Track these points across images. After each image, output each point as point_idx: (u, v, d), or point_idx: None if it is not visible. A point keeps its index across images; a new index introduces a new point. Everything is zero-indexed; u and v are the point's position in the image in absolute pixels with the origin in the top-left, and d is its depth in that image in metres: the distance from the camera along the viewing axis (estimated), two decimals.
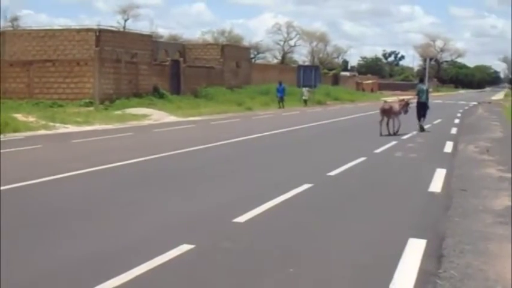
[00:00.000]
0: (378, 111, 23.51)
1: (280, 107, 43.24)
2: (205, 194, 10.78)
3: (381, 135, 22.19)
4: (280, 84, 44.51)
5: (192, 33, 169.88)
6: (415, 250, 7.08)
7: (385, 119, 22.87)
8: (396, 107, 23.54)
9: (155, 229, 8.07)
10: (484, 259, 6.87)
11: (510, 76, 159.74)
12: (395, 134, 22.70)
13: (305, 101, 47.56)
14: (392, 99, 32.80)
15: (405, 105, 24.13)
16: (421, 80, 27.89)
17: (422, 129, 24.70)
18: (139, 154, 15.56)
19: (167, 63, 43.11)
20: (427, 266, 6.55)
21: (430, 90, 26.54)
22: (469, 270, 6.47)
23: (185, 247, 7.02)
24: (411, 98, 26.06)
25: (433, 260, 6.82)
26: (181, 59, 46.07)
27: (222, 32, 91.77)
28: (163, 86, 40.47)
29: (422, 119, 25.06)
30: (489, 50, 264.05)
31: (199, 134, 22.83)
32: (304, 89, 47.29)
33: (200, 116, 33.10)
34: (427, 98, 25.46)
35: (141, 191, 10.88)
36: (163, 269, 6.31)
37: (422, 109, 25.11)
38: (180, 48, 52.39)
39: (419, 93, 25.58)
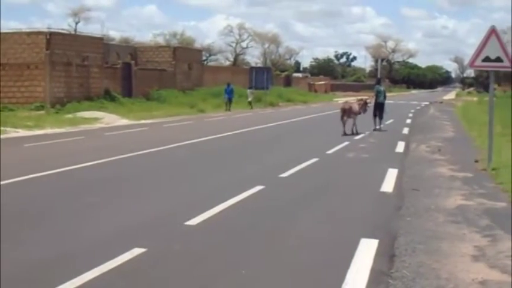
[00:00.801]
0: (336, 111, 23.84)
1: (227, 109, 42.30)
2: (157, 197, 10.76)
3: (343, 134, 22.77)
4: (228, 85, 43.67)
5: (144, 36, 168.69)
6: (367, 250, 7.15)
7: (346, 118, 23.56)
8: (356, 107, 24.35)
9: (107, 233, 8.00)
10: (436, 258, 6.97)
11: (461, 76, 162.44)
12: (355, 133, 23.42)
13: (250, 103, 46.53)
14: (345, 99, 33.18)
15: (364, 105, 25.02)
16: (379, 81, 28.53)
17: (379, 129, 25.61)
18: (90, 158, 15.38)
19: (118, 66, 42.83)
20: (379, 266, 6.62)
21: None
22: (421, 269, 6.55)
23: (137, 251, 7.00)
24: (368, 98, 26.79)
25: (386, 259, 6.90)
26: (132, 62, 45.77)
27: (174, 34, 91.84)
28: (114, 89, 40.21)
29: (378, 119, 25.95)
30: (440, 50, 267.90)
31: (151, 137, 22.68)
32: (249, 91, 46.27)
33: (152, 118, 32.92)
34: (384, 98, 26.49)
35: (94, 195, 10.77)
36: (115, 273, 6.27)
37: (379, 109, 25.95)
38: (132, 51, 52.15)
39: (377, 94, 26.36)
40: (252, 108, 44.39)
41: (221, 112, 40.11)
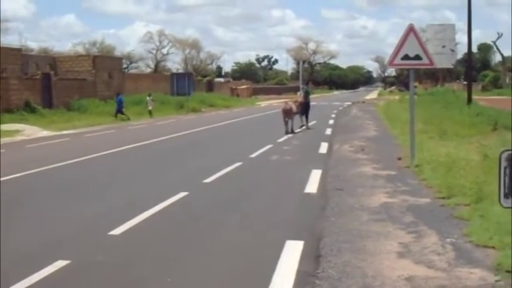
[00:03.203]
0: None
1: (117, 118, 39.79)
2: (80, 208, 10.63)
3: (286, 133, 24.70)
4: (118, 95, 41.32)
5: (64, 46, 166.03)
6: (292, 252, 7.24)
7: (287, 119, 25.48)
8: (294, 107, 26.29)
9: (30, 246, 7.87)
10: (361, 256, 7.09)
11: (383, 75, 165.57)
12: (293, 132, 25.42)
13: (149, 112, 43.62)
14: (269, 102, 33.77)
15: (300, 105, 27.23)
16: (307, 83, 32.45)
17: (306, 127, 27.69)
18: (11, 171, 15.00)
19: (38, 77, 41.93)
20: (305, 267, 6.70)
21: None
22: (347, 268, 6.66)
23: (60, 263, 6.93)
24: (298, 99, 28.80)
25: (311, 260, 6.99)
26: (52, 72, 44.87)
27: (94, 43, 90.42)
28: (35, 100, 39.33)
29: (305, 118, 28.02)
30: (361, 50, 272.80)
31: (72, 148, 22.28)
32: (148, 99, 44.09)
33: (74, 129, 32.35)
34: (309, 97, 29.09)
35: (16, 208, 10.59)
36: (38, 287, 6.21)
37: (306, 109, 28.11)
38: (51, 61, 51.14)
39: (306, 94, 28.93)
40: (152, 117, 42.39)
41: (143, 120, 39.70)
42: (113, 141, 23.54)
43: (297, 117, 26.95)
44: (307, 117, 28.27)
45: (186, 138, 25.31)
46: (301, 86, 29.19)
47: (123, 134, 29.09)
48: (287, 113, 25.62)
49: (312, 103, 30.14)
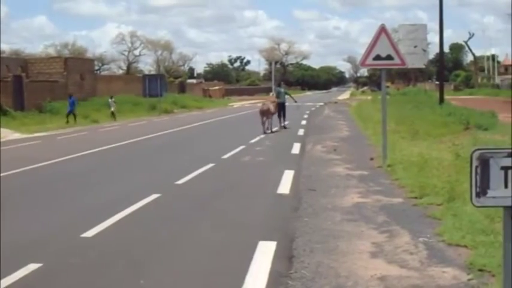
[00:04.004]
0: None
1: (67, 122, 38.06)
2: (53, 210, 10.58)
3: (264, 132, 25.39)
4: (70, 97, 40.01)
5: (35, 48, 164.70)
6: (265, 253, 7.24)
7: (266, 119, 26.20)
8: (272, 107, 26.90)
9: (2, 250, 7.75)
10: (334, 257, 7.12)
11: (355, 75, 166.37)
12: (272, 131, 26.10)
13: (112, 114, 42.71)
14: (241, 103, 33.97)
15: (277, 105, 27.88)
16: (279, 84, 33.12)
17: (284, 126, 28.51)
18: None
19: (9, 79, 41.66)
20: (278, 268, 6.72)
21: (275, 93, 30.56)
22: (320, 268, 6.68)
23: (32, 266, 6.89)
24: (270, 99, 29.93)
25: (284, 261, 7.00)
26: (23, 74, 44.66)
27: (65, 45, 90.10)
28: (6, 102, 39.00)
29: (282, 118, 28.83)
30: (333, 51, 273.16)
31: (44, 150, 22.08)
32: (110, 101, 43.37)
33: (46, 131, 32.09)
34: (290, 97, 30.10)
35: None
36: None
37: (282, 109, 28.69)
38: (22, 63, 50.85)
39: (278, 95, 29.59)
40: (115, 119, 41.85)
41: (116, 122, 39.51)
42: (86, 143, 23.37)
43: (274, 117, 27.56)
44: (284, 117, 29.09)
45: (159, 140, 25.23)
46: (273, 87, 29.63)
47: (95, 135, 28.93)
48: (265, 113, 26.31)
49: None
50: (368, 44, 14.53)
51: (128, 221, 9.41)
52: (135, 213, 9.95)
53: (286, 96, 29.68)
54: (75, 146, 22.60)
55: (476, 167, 4.29)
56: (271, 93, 34.94)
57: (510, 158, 4.28)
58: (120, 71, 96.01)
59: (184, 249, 7.84)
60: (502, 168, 4.28)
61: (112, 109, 42.45)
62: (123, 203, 10.56)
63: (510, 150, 4.33)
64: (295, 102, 31.13)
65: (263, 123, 26.11)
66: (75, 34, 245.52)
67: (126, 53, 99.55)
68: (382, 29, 14.41)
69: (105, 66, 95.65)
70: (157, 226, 9.17)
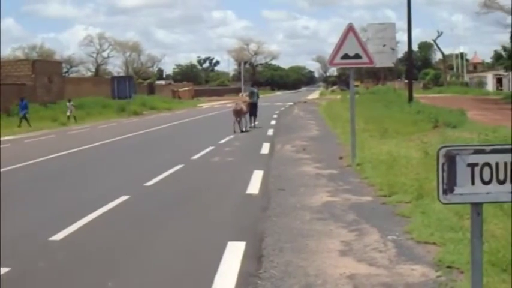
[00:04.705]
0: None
1: (19, 126, 37.16)
2: (21, 214, 10.49)
3: (240, 131, 26.13)
4: (22, 100, 39.28)
5: (3, 50, 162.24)
6: (234, 253, 7.23)
7: (239, 118, 26.98)
8: (244, 107, 27.73)
9: None
10: (303, 256, 7.12)
11: (324, 75, 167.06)
12: (245, 130, 26.99)
13: (68, 118, 41.27)
14: (211, 104, 34.18)
15: (249, 105, 28.67)
16: (252, 85, 34.69)
17: (254, 126, 29.14)
18: None
19: None
20: (247, 268, 6.71)
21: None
22: (289, 268, 6.68)
23: (2, 270, 6.83)
24: (241, 99, 30.95)
25: (253, 261, 6.99)
26: None
27: (33, 48, 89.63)
28: None
29: (253, 117, 29.47)
30: (303, 50, 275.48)
31: (12, 154, 21.81)
32: (68, 104, 42.42)
33: (14, 135, 31.71)
34: (257, 99, 30.34)
35: None
36: None
37: (253, 109, 29.43)
38: None
39: (251, 95, 30.21)
40: (76, 122, 40.53)
41: (85, 124, 39.21)
42: (54, 146, 23.16)
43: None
44: (255, 116, 29.79)
45: (128, 142, 25.09)
46: (242, 88, 30.14)
47: (64, 138, 28.66)
48: (238, 113, 27.09)
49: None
50: (336, 43, 14.59)
51: (96, 223, 9.35)
52: (104, 215, 9.89)
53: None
54: (43, 149, 22.38)
55: (443, 164, 4.30)
56: (240, 94, 34.98)
57: (476, 155, 4.30)
58: (89, 73, 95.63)
59: (154, 250, 7.81)
60: (469, 165, 4.30)
61: (68, 113, 41.44)
62: (92, 205, 10.48)
63: (476, 147, 4.35)
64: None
65: (236, 122, 26.72)
66: (43, 36, 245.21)
67: (94, 55, 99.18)
68: (350, 28, 14.46)
69: (73, 69, 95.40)
70: (126, 228, 9.13)
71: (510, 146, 4.34)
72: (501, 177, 4.29)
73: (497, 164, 4.28)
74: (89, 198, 11.60)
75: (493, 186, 4.31)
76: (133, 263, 7.20)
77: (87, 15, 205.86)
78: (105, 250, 7.86)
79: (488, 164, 4.29)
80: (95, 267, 7.09)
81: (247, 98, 30.05)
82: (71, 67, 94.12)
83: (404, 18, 35.16)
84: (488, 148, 4.33)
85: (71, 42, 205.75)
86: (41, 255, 7.60)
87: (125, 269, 6.95)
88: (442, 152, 4.31)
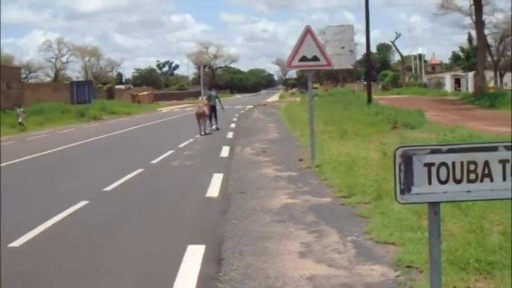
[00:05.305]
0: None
1: None
2: None
3: (200, 135, 26.32)
4: None
5: None
6: (194, 256, 7.21)
7: (202, 121, 27.36)
8: (206, 110, 28.21)
9: None
10: (263, 258, 7.12)
11: (284, 78, 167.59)
12: (206, 133, 27.19)
13: (20, 124, 40.38)
14: (170, 108, 34.21)
15: (210, 108, 29.20)
16: (210, 88, 35.93)
17: (215, 128, 29.71)
18: None
19: None
20: (207, 271, 6.69)
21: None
22: (249, 270, 6.67)
23: None
24: (201, 103, 30.86)
25: (213, 264, 6.98)
26: None
27: None
28: None
29: (214, 120, 30.00)
30: (262, 53, 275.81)
31: None
32: (19, 110, 41.70)
33: None
34: (219, 102, 30.73)
35: None
36: None
37: (213, 111, 29.84)
38: None
39: (209, 98, 30.57)
40: (24, 129, 39.11)
41: (45, 129, 38.76)
42: (13, 152, 22.82)
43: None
44: (216, 119, 30.25)
45: (87, 147, 24.87)
46: (202, 91, 30.36)
47: (23, 144, 28.28)
48: (201, 116, 27.44)
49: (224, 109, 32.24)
50: (294, 45, 14.63)
51: (56, 229, 9.25)
52: (64, 221, 9.79)
53: (217, 100, 30.32)
54: (2, 155, 22.09)
55: (400, 164, 4.32)
56: (200, 97, 34.92)
57: (433, 155, 4.33)
58: (48, 79, 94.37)
59: (113, 254, 7.76)
60: (426, 165, 4.32)
61: (20, 119, 40.85)
62: (51, 211, 10.36)
63: (433, 147, 4.38)
64: (222, 108, 31.43)
65: (199, 125, 27.11)
66: (1, 42, 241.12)
67: (53, 60, 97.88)
68: (308, 31, 14.51)
69: (32, 74, 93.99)
70: (85, 233, 9.04)
71: (466, 146, 4.38)
72: (458, 176, 4.32)
73: (453, 164, 4.31)
74: (48, 204, 11.48)
75: (450, 186, 4.33)
76: (93, 268, 7.13)
77: (45, 20, 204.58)
78: (65, 256, 7.78)
79: (444, 164, 4.32)
80: (54, 273, 7.01)
81: (207, 101, 30.31)
82: (30, 72, 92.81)
83: (363, 20, 35.25)
84: (444, 148, 4.36)
85: (29, 48, 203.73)
86: (1, 262, 7.40)
87: (84, 275, 6.88)
88: (399, 152, 4.33)
